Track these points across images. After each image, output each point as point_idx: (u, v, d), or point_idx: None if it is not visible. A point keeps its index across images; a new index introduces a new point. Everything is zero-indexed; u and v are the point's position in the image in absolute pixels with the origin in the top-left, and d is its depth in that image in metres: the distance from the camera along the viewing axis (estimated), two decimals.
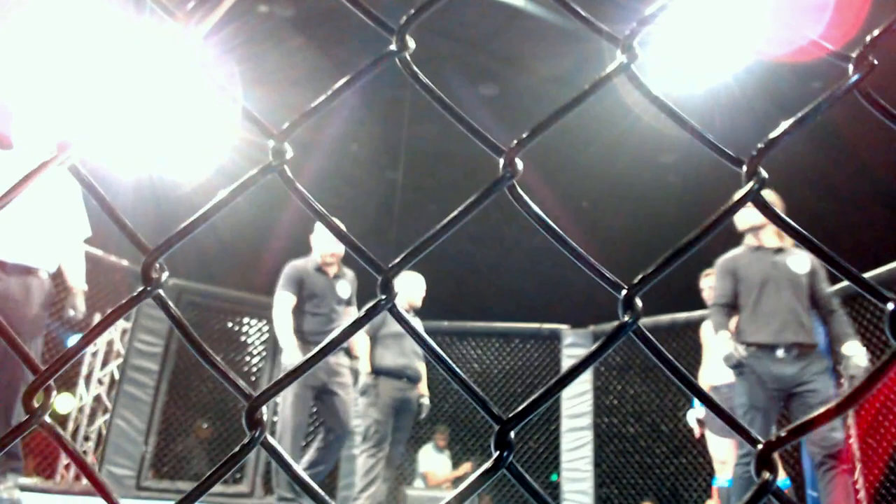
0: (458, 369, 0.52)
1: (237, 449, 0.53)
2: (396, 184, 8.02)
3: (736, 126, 5.34)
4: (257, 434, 0.53)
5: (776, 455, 0.53)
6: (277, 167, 0.55)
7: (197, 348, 0.54)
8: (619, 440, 6.22)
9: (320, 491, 0.53)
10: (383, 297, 0.52)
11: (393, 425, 4.41)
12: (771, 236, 3.50)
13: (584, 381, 6.26)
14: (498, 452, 0.50)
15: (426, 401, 4.81)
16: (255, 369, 6.73)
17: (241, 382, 0.53)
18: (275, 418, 6.06)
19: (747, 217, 3.47)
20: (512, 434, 0.51)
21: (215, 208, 0.55)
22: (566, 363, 6.36)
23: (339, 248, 4.23)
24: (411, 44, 0.57)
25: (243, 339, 6.84)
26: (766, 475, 0.49)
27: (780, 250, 3.46)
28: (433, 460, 6.66)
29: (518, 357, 6.96)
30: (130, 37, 4.45)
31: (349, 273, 4.42)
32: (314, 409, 4.44)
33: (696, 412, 4.38)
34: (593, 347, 0.51)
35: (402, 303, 4.63)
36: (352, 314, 4.32)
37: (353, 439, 5.56)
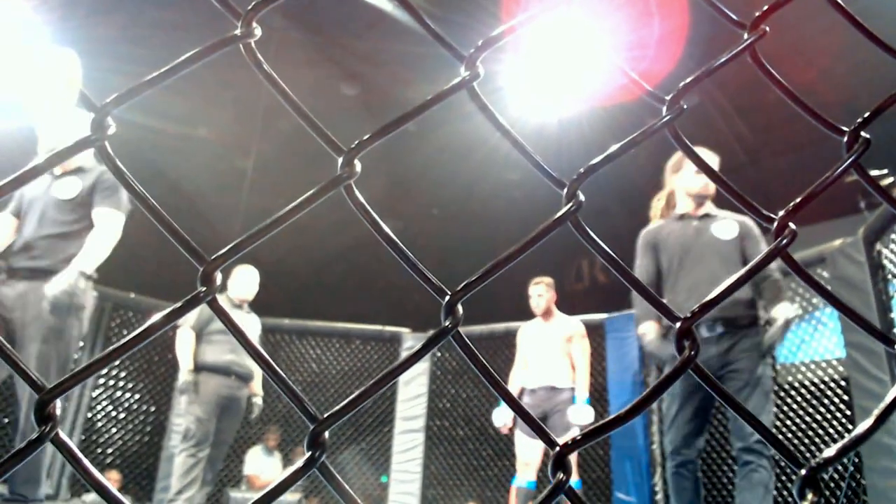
0: (275, 366, 0.51)
1: (22, 445, 0.48)
2: (246, 173, 7.71)
3: (581, 155, 5.74)
4: (48, 430, 0.48)
5: (572, 457, 0.57)
6: (97, 141, 0.51)
7: None
8: (448, 443, 6.40)
9: (116, 493, 0.49)
10: (203, 289, 0.50)
11: (217, 425, 4.22)
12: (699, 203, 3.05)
13: (421, 384, 6.37)
14: (310, 452, 0.50)
15: (259, 400, 4.66)
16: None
17: (34, 374, 0.49)
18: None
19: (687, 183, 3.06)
20: (326, 434, 0.51)
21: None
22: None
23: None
24: (257, 31, 0.55)
25: None
26: (560, 476, 0.53)
27: (706, 216, 3.05)
28: (261, 462, 6.44)
29: (357, 358, 6.95)
30: None
31: None
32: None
33: (501, 410, 4.62)
34: (411, 351, 0.53)
35: (233, 296, 4.53)
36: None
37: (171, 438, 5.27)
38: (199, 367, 4.26)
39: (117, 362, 6.23)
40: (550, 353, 4.59)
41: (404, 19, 5.62)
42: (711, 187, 3.02)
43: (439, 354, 6.60)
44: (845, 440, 0.57)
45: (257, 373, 4.53)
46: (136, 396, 6.40)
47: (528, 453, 4.43)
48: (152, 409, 6.45)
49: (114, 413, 6.23)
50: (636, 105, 5.52)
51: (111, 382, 6.29)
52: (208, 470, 4.21)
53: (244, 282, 4.59)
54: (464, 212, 8.24)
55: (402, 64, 6.17)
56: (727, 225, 2.98)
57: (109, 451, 6.12)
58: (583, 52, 5.11)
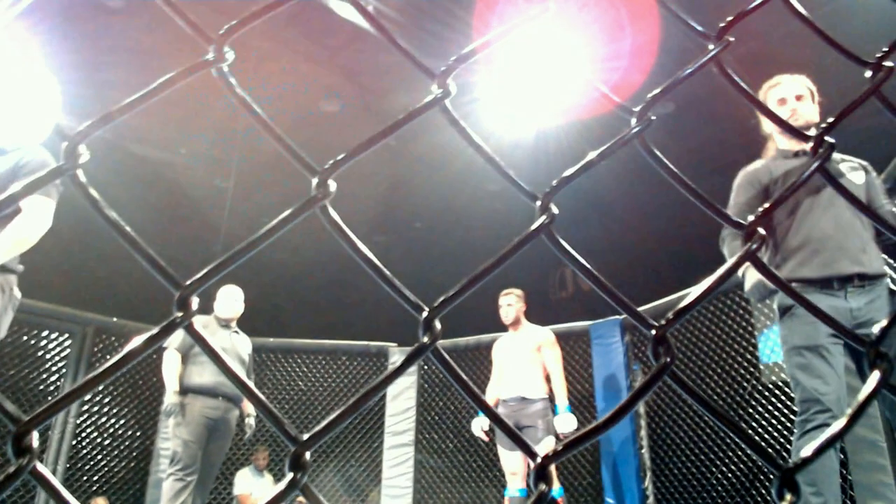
0: (252, 387, 0.51)
1: (1, 478, 0.48)
2: (227, 193, 7.67)
3: (559, 166, 5.78)
4: (25, 462, 0.48)
5: (552, 468, 0.58)
6: (70, 170, 0.51)
7: None
8: (438, 455, 6.37)
9: None
10: (179, 314, 0.50)
11: (205, 447, 4.17)
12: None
13: (409, 398, 6.35)
14: (292, 474, 0.50)
15: (252, 420, 4.62)
16: (52, 388, 6.05)
17: (9, 404, 0.48)
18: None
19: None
20: (307, 455, 0.51)
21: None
22: None
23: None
24: (229, 55, 0.56)
25: (41, 353, 6.13)
26: (542, 487, 0.53)
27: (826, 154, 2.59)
28: (250, 483, 6.37)
29: (344, 375, 6.91)
30: None
31: None
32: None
33: (479, 419, 4.66)
34: (391, 368, 0.53)
35: (220, 316, 4.50)
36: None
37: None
38: (185, 389, 4.22)
39: (101, 387, 6.15)
40: (520, 363, 4.61)
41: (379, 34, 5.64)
42: (806, 114, 2.65)
43: (426, 367, 6.59)
44: (821, 439, 0.58)
45: None
46: (122, 422, 6.31)
47: (512, 463, 4.46)
48: (138, 433, 6.37)
49: (99, 439, 6.14)
50: (612, 117, 5.58)
51: (95, 409, 6.20)
52: (198, 494, 4.16)
53: (229, 301, 4.57)
54: (445, 224, 8.25)
55: (381, 76, 6.18)
56: (854, 167, 2.69)
57: (95, 478, 6.02)
58: (557, 64, 5.17)
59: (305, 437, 0.51)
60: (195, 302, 0.50)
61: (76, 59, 5.19)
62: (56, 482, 0.49)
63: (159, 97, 0.56)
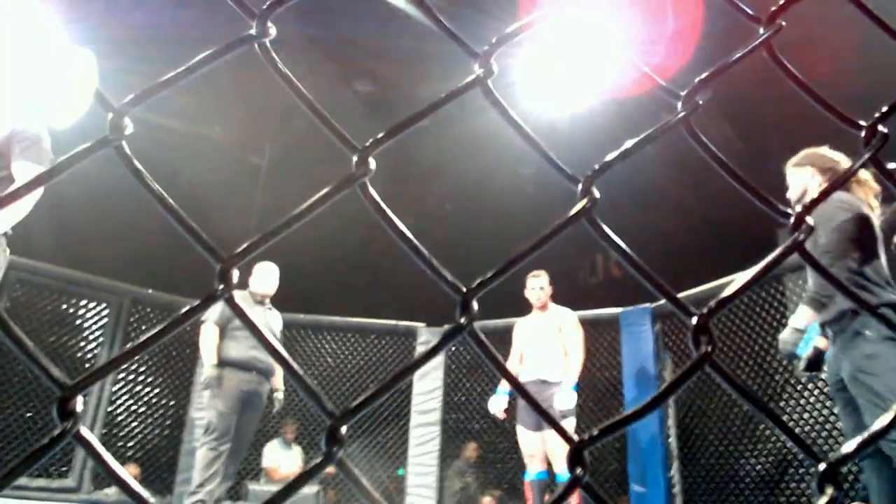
0: (293, 362, 0.52)
1: (46, 441, 0.49)
2: (260, 171, 7.75)
3: (594, 150, 5.71)
4: (70, 426, 0.49)
5: (586, 452, 0.57)
6: (115, 141, 0.52)
7: (7, 332, 0.50)
8: (465, 435, 6.42)
9: (138, 487, 0.50)
10: (220, 286, 0.51)
11: (238, 419, 4.26)
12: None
13: (436, 378, 6.39)
14: (328, 448, 0.51)
15: (280, 395, 4.70)
16: (90, 355, 6.22)
17: (55, 370, 0.49)
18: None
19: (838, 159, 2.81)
20: (343, 430, 0.51)
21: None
22: None
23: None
24: (272, 30, 0.56)
25: (79, 322, 6.30)
26: (578, 471, 0.53)
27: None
28: (279, 455, 6.50)
29: (373, 353, 6.98)
30: None
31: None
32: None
33: (496, 398, 4.63)
34: (427, 347, 0.53)
35: (254, 292, 4.56)
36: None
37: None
38: (222, 363, 4.30)
39: (136, 357, 6.31)
40: (544, 346, 4.59)
41: (416, 15, 5.62)
42: None
43: (454, 349, 6.62)
44: (864, 435, 0.57)
45: (278, 368, 4.56)
46: (156, 391, 6.47)
47: (531, 445, 4.45)
48: (171, 403, 6.52)
49: (134, 407, 6.31)
50: (648, 99, 5.48)
51: (131, 377, 6.37)
52: (229, 463, 4.25)
53: (265, 278, 4.62)
54: (477, 207, 8.23)
55: (415, 60, 6.16)
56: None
57: (130, 444, 6.20)
58: (595, 47, 5.08)
59: (341, 412, 0.52)
60: (236, 275, 0.51)
61: (115, 36, 5.26)
62: (99, 445, 0.50)
63: (200, 73, 0.56)
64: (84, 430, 0.50)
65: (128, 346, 0.51)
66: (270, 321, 4.64)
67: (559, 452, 4.20)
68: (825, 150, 2.86)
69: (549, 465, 4.43)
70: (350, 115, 6.28)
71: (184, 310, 0.50)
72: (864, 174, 2.76)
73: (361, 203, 0.56)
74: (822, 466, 0.54)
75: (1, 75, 2.66)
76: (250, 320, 0.54)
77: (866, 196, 2.74)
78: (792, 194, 2.90)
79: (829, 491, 0.53)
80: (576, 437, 0.53)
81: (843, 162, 2.78)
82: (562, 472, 4.20)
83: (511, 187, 7.67)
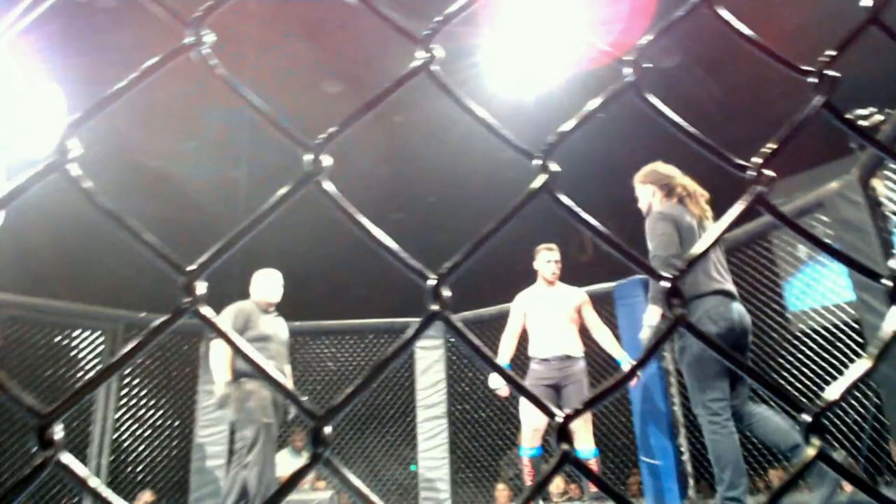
0: (268, 367, 0.51)
1: (28, 472, 0.49)
2: (240, 183, 7.70)
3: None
4: (51, 455, 0.49)
5: (583, 428, 0.57)
6: (59, 166, 0.51)
7: None
8: (472, 425, 6.43)
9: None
10: (188, 300, 0.51)
11: (272, 426, 4.28)
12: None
13: (438, 371, 6.40)
14: (314, 449, 0.51)
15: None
16: None
17: (27, 398, 0.49)
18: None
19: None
20: (328, 430, 0.51)
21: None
22: (419, 354, 6.46)
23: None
24: (208, 37, 0.55)
25: (74, 353, 6.26)
26: (564, 446, 0.53)
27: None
28: (290, 464, 6.50)
29: (373, 352, 6.98)
30: None
31: None
32: None
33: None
34: (403, 339, 0.53)
35: (258, 301, 4.52)
36: None
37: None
38: (239, 375, 4.21)
39: (136, 381, 6.29)
40: (562, 322, 4.57)
41: (384, 11, 5.58)
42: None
43: (454, 339, 6.62)
44: (845, 379, 0.57)
45: (290, 375, 4.60)
46: (160, 412, 6.45)
47: (537, 420, 4.35)
48: (177, 423, 6.50)
49: (139, 431, 6.28)
50: (615, 77, 5.47)
51: (133, 402, 6.34)
52: (268, 469, 4.20)
53: (268, 285, 4.56)
54: (460, 196, 8.21)
55: (382, 55, 6.13)
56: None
57: (139, 468, 6.18)
58: (558, 26, 5.06)
59: (323, 412, 0.52)
60: (200, 286, 0.50)
61: (76, 62, 5.21)
62: (83, 471, 0.49)
63: (143, 85, 0.55)
64: (66, 458, 0.49)
65: (100, 367, 0.50)
66: (279, 329, 4.59)
67: (582, 431, 4.19)
68: (661, 167, 3.45)
69: (545, 441, 4.44)
70: (321, 116, 6.24)
71: (152, 325, 0.50)
72: (693, 186, 3.34)
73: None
74: (806, 417, 0.54)
75: None
76: (223, 332, 0.53)
77: (696, 204, 3.29)
78: (641, 206, 3.51)
79: (816, 442, 0.53)
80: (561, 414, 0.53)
81: (677, 176, 3.37)
82: (583, 449, 4.19)
83: (492, 173, 7.66)
